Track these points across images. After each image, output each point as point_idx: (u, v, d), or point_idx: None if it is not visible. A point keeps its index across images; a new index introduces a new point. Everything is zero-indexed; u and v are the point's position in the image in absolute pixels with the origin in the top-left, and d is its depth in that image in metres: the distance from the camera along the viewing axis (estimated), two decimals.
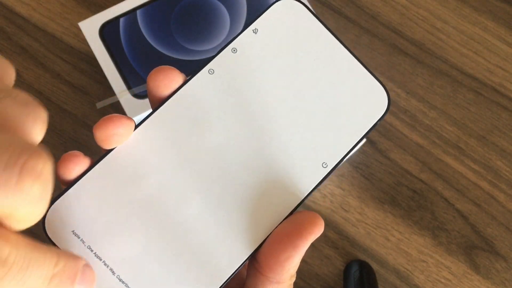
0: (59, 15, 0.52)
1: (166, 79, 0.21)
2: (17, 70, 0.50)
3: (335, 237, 0.45)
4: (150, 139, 0.21)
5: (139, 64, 0.45)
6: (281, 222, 0.21)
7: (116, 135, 0.21)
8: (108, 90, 0.48)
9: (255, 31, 0.22)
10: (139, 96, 0.44)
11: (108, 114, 0.21)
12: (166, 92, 0.22)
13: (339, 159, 0.22)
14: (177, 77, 0.22)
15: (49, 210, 0.20)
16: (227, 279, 0.20)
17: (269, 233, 0.21)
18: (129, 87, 0.44)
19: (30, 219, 0.16)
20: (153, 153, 0.21)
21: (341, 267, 0.45)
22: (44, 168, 0.15)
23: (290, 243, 0.20)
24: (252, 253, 0.21)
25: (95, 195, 0.21)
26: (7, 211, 0.15)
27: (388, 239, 0.45)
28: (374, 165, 0.47)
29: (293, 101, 0.22)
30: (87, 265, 0.18)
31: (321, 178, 0.22)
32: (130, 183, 0.21)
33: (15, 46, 0.51)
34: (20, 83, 0.50)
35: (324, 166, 0.22)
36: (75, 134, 0.48)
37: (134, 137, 0.21)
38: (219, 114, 0.22)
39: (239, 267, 0.20)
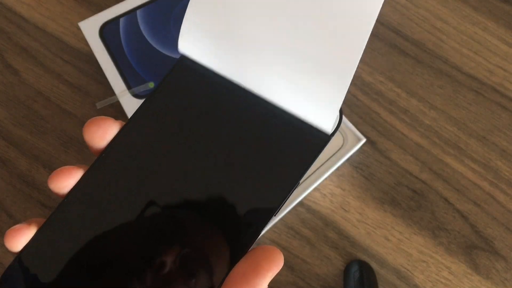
0: (59, 15, 0.52)
1: (100, 130, 0.21)
2: (17, 70, 0.51)
3: (335, 237, 0.45)
4: (92, 194, 0.21)
5: (139, 64, 0.45)
6: (236, 263, 0.20)
7: (67, 187, 0.21)
8: (108, 90, 0.48)
9: (161, 92, 0.23)
10: (139, 96, 0.44)
11: (108, 114, 0.21)
12: (101, 143, 0.21)
13: (282, 202, 0.21)
14: (110, 127, 0.21)
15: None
16: None
17: (225, 276, 0.20)
18: (129, 87, 0.44)
19: None
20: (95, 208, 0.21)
21: (341, 267, 0.45)
22: None
23: (247, 283, 0.19)
24: None
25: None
26: None
27: (388, 239, 0.45)
28: (374, 165, 0.47)
29: (222, 152, 0.22)
30: None
31: (268, 220, 0.21)
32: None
33: (15, 46, 0.51)
34: (20, 83, 0.50)
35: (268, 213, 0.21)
36: (75, 134, 0.48)
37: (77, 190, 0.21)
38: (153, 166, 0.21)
39: None
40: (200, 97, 0.22)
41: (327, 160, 0.45)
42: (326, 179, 0.46)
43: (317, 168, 0.44)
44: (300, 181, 0.22)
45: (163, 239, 0.20)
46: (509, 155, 0.47)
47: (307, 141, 0.22)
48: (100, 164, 0.21)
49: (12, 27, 0.51)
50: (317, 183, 0.44)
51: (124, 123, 0.22)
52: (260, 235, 0.21)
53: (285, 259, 0.45)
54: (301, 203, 0.46)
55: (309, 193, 0.46)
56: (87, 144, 0.22)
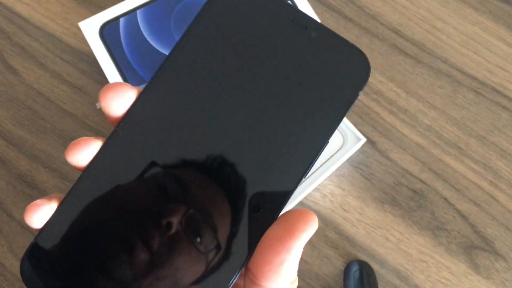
0: (59, 15, 0.52)
1: (117, 96, 0.20)
2: (17, 70, 0.51)
3: (335, 237, 0.45)
4: (111, 165, 0.20)
5: (139, 64, 0.45)
6: (271, 225, 0.19)
7: (85, 159, 0.20)
8: None
9: (203, 23, 0.21)
10: None
11: None
12: (119, 111, 0.20)
13: (323, 145, 0.20)
14: (128, 93, 0.20)
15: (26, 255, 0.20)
16: None
17: (259, 238, 0.19)
18: None
19: None
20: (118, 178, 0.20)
21: (341, 267, 0.45)
22: None
23: (282, 246, 0.18)
24: (244, 263, 0.19)
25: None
26: None
27: (388, 239, 0.45)
28: (374, 165, 0.47)
29: (267, 84, 0.21)
30: None
31: (309, 165, 0.20)
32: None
33: (15, 46, 0.51)
34: (20, 83, 0.50)
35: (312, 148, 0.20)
36: (75, 134, 0.48)
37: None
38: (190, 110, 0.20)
39: (231, 282, 0.19)
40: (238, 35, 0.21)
41: (327, 160, 0.45)
42: (326, 179, 0.46)
43: (317, 168, 0.44)
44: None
45: (193, 201, 0.20)
46: (509, 155, 0.47)
47: (351, 71, 0.21)
48: (119, 134, 0.20)
49: (12, 27, 0.51)
50: (317, 183, 0.44)
51: (141, 89, 0.21)
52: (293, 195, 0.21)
53: None
54: (301, 203, 0.46)
55: (309, 193, 0.45)
56: (104, 112, 0.21)
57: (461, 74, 0.49)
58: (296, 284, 0.20)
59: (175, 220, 0.20)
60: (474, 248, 0.45)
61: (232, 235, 0.20)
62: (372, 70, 0.49)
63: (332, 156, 0.45)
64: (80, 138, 0.20)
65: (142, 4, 0.46)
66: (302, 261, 0.45)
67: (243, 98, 0.21)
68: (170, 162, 0.20)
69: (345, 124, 0.45)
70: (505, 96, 0.49)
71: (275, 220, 0.20)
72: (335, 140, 0.45)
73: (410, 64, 0.49)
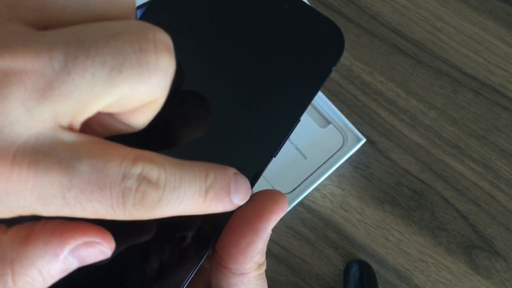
0: None
1: None
2: None
3: (335, 237, 0.45)
4: None
5: None
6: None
7: None
8: None
9: None
10: None
11: None
12: None
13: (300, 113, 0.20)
14: None
15: None
16: (185, 283, 0.18)
17: (224, 222, 0.18)
18: None
19: (156, 107, 0.15)
20: None
21: (341, 267, 0.45)
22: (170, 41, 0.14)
23: (249, 227, 0.18)
24: (211, 245, 0.19)
25: None
26: (145, 97, 0.14)
27: (388, 239, 0.45)
28: (374, 165, 0.47)
29: (244, 51, 0.20)
30: (237, 173, 0.17)
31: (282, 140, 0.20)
32: None
33: None
34: None
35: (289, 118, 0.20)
36: None
37: None
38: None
39: (195, 266, 0.18)
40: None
41: (327, 160, 0.45)
42: (326, 179, 0.46)
43: (317, 168, 0.44)
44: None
45: None
46: (509, 155, 0.47)
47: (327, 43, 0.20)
48: None
49: None
50: (317, 183, 0.44)
51: None
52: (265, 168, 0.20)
53: (285, 259, 0.45)
54: (301, 203, 0.46)
55: (309, 193, 0.45)
56: None
57: (461, 74, 0.49)
58: (264, 267, 0.19)
59: None
60: (474, 248, 0.45)
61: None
62: (372, 70, 0.49)
63: (332, 156, 0.45)
64: None
65: (142, 4, 0.46)
66: (302, 261, 0.45)
67: (210, 72, 0.20)
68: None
69: (345, 123, 0.45)
70: (505, 96, 0.49)
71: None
72: (335, 140, 0.45)
73: (410, 64, 0.49)
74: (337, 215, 0.46)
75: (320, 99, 0.45)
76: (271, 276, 0.45)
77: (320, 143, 0.45)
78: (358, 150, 0.47)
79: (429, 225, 0.46)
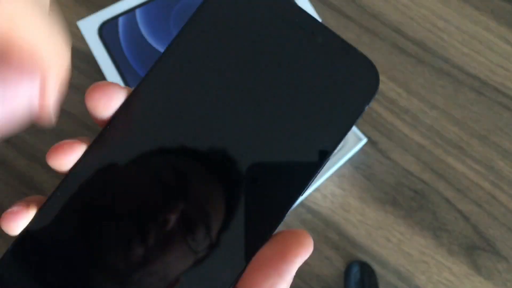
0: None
1: (104, 98, 0.19)
2: None
3: (335, 238, 0.45)
4: (95, 170, 0.19)
5: (138, 63, 0.45)
6: (263, 245, 0.18)
7: (68, 163, 0.19)
8: None
9: (200, 21, 0.20)
10: None
11: None
12: (106, 113, 0.19)
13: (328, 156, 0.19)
14: (116, 94, 0.19)
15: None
16: None
17: (250, 259, 0.18)
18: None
19: None
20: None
21: (342, 268, 0.45)
22: None
23: (273, 269, 0.17)
24: (232, 283, 0.18)
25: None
26: None
27: (389, 240, 0.45)
28: (375, 165, 0.47)
29: (270, 86, 0.19)
30: None
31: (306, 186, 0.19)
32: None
33: None
34: None
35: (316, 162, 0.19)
36: (75, 134, 0.47)
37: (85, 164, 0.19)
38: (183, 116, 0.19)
39: None
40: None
41: (328, 160, 0.44)
42: (326, 179, 0.46)
43: None
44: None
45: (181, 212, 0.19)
46: (510, 155, 0.47)
47: (361, 77, 0.19)
48: (105, 137, 0.19)
49: None
50: (318, 183, 0.44)
51: (131, 89, 0.20)
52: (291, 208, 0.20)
53: None
54: (301, 204, 0.45)
55: (310, 194, 0.45)
56: (90, 114, 0.19)
57: (463, 74, 0.49)
58: None
59: (171, 217, 0.19)
60: (476, 248, 0.45)
61: (226, 244, 0.19)
62: None
63: (332, 156, 0.44)
64: (62, 141, 0.19)
65: (142, 3, 0.46)
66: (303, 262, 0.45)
67: (240, 104, 0.19)
68: (160, 168, 0.19)
69: None
70: (507, 96, 0.48)
71: (271, 237, 0.19)
72: None
73: (411, 63, 0.49)
74: (337, 215, 0.46)
75: None
76: None
77: None
78: (359, 150, 0.46)
79: (430, 225, 0.45)
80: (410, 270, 0.45)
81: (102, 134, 0.19)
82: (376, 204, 0.46)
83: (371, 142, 0.47)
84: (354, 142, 0.45)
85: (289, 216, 0.45)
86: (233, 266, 0.18)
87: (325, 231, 0.45)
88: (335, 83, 0.19)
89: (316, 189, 0.46)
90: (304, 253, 0.18)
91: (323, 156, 0.19)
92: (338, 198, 0.46)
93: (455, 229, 0.45)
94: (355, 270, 0.44)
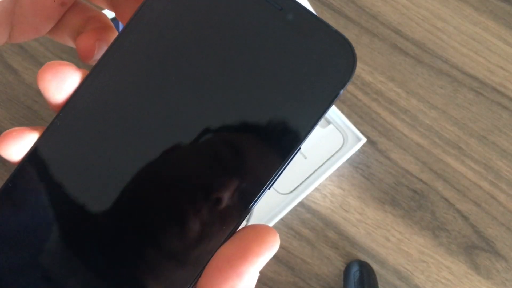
0: None
1: (56, 79, 0.17)
2: (16, 70, 0.50)
3: (335, 237, 0.45)
4: (50, 160, 0.17)
5: None
6: (224, 241, 0.17)
7: (18, 153, 0.17)
8: None
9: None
10: None
11: None
12: (59, 96, 0.17)
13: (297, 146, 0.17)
14: (70, 75, 0.17)
15: None
16: None
17: (208, 258, 0.17)
18: None
19: None
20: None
21: (341, 267, 0.45)
22: None
23: (232, 270, 0.16)
24: (191, 285, 0.17)
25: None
26: None
27: (388, 239, 0.45)
28: (374, 165, 0.47)
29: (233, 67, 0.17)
30: None
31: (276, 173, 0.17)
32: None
33: (15, 46, 0.51)
34: (20, 83, 0.49)
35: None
36: None
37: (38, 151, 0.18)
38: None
39: None
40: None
41: (327, 160, 0.45)
42: (326, 179, 0.46)
43: (317, 168, 0.44)
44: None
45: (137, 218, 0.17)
46: (509, 155, 0.47)
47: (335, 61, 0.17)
48: (57, 125, 0.17)
49: None
50: (317, 183, 0.44)
51: (86, 71, 0.18)
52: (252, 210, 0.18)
53: (285, 259, 0.45)
54: (301, 203, 0.46)
55: (309, 193, 0.45)
56: (44, 96, 0.18)
57: (462, 74, 0.49)
58: None
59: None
60: (475, 248, 0.45)
61: (183, 242, 0.17)
62: (372, 70, 0.49)
63: (332, 156, 0.45)
64: (12, 129, 0.17)
65: None
66: (302, 261, 0.45)
67: (202, 88, 0.17)
68: (113, 161, 0.17)
69: (345, 123, 0.45)
70: (506, 96, 0.49)
71: (234, 233, 0.17)
72: (335, 140, 0.45)
73: (410, 64, 0.49)
74: (337, 215, 0.46)
75: None
76: (271, 276, 0.44)
77: (320, 143, 0.45)
78: (358, 150, 0.47)
79: (429, 225, 0.45)
80: (409, 270, 0.45)
81: (54, 122, 0.18)
82: (376, 203, 0.46)
83: (370, 142, 0.47)
84: (354, 142, 0.45)
85: (289, 216, 0.45)
86: (191, 266, 0.17)
87: (325, 230, 0.45)
88: (306, 64, 0.17)
89: (316, 189, 0.46)
90: (266, 252, 0.16)
91: (291, 146, 0.17)
92: (337, 197, 0.46)
93: (454, 229, 0.45)
94: (355, 269, 0.44)
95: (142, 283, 0.17)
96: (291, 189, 0.44)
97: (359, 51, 0.49)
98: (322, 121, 0.46)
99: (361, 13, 0.51)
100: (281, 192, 0.44)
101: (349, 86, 0.49)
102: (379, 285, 0.44)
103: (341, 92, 0.17)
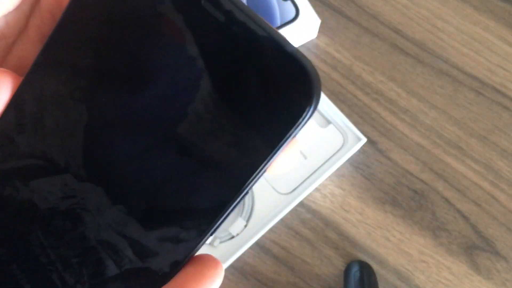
0: None
1: None
2: None
3: (335, 238, 0.45)
4: None
5: None
6: (177, 273, 0.15)
7: None
8: None
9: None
10: None
11: None
12: None
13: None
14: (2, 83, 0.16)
15: None
16: None
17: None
18: None
19: None
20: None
21: (342, 267, 0.45)
22: None
23: None
24: None
25: None
26: None
27: (388, 240, 0.45)
28: (375, 165, 0.47)
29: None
30: None
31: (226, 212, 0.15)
32: None
33: None
34: None
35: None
36: None
37: None
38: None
39: None
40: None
41: (327, 160, 0.45)
42: (326, 179, 0.46)
43: (318, 168, 0.44)
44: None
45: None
46: (510, 155, 0.47)
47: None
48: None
49: None
50: (317, 183, 0.44)
51: (19, 78, 0.16)
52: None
53: (285, 260, 0.45)
54: (301, 204, 0.45)
55: (309, 194, 0.45)
56: None
57: (462, 74, 0.49)
58: None
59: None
60: (475, 248, 0.45)
61: (135, 271, 0.16)
62: (372, 69, 0.49)
63: (332, 156, 0.45)
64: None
65: None
66: (302, 261, 0.45)
67: (126, 104, 0.15)
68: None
69: (346, 123, 0.45)
70: (506, 96, 0.48)
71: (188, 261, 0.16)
72: (335, 140, 0.45)
73: (410, 63, 0.49)
74: (337, 215, 0.46)
75: (321, 99, 0.45)
76: (271, 277, 0.44)
77: (320, 143, 0.45)
78: (359, 150, 0.47)
79: (429, 225, 0.45)
80: (410, 270, 0.45)
81: None
82: (376, 203, 0.46)
83: (370, 142, 0.47)
84: (354, 142, 0.45)
85: (289, 216, 0.45)
86: None
87: (325, 230, 0.45)
88: (253, 91, 0.13)
89: (316, 189, 0.46)
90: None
91: (234, 192, 0.14)
92: (337, 197, 0.46)
93: (455, 229, 0.45)
94: (355, 269, 0.44)
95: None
96: (291, 189, 0.44)
97: (359, 51, 0.49)
98: (322, 121, 0.46)
99: (361, 13, 0.51)
100: (281, 192, 0.44)
101: (349, 86, 0.49)
102: (379, 285, 0.44)
103: (292, 134, 0.13)
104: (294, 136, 0.13)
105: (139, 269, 0.15)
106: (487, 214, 0.46)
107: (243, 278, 0.44)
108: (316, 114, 0.45)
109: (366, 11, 0.51)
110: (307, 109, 0.13)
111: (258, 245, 0.44)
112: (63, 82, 0.16)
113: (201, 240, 0.15)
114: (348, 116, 0.46)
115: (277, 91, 0.13)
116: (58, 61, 0.16)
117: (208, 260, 0.15)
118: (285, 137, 0.13)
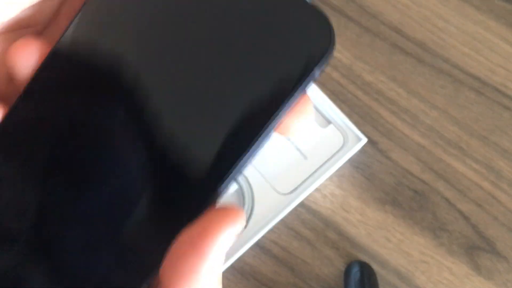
0: None
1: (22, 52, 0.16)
2: None
3: (335, 238, 0.45)
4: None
5: None
6: (187, 225, 0.16)
7: None
8: None
9: None
10: None
11: None
12: (24, 71, 0.17)
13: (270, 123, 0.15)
14: (32, 48, 0.17)
15: None
16: None
17: (171, 240, 0.15)
18: None
19: None
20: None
21: (342, 268, 0.45)
22: None
23: (192, 249, 0.15)
24: (152, 273, 0.16)
25: None
26: None
27: (389, 240, 0.45)
28: (375, 165, 0.47)
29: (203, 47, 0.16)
30: None
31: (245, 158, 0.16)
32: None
33: None
34: None
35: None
36: None
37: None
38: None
39: None
40: None
41: (328, 160, 0.44)
42: (326, 179, 0.46)
43: (318, 168, 0.44)
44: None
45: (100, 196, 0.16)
46: (511, 155, 0.47)
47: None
48: (24, 100, 0.16)
49: None
50: (318, 183, 0.44)
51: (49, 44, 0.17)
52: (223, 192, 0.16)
53: (285, 260, 0.45)
54: (301, 204, 0.45)
55: (309, 194, 0.45)
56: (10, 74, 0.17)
57: (463, 74, 0.49)
58: None
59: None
60: (476, 248, 0.45)
61: (145, 224, 0.16)
62: (373, 69, 0.49)
63: (332, 156, 0.44)
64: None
65: None
66: (303, 261, 0.45)
67: (159, 69, 0.16)
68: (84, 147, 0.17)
69: (346, 123, 0.45)
70: (507, 96, 0.48)
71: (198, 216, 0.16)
72: (335, 140, 0.45)
73: (411, 63, 0.49)
74: (337, 215, 0.46)
75: (321, 99, 0.45)
76: (271, 277, 0.44)
77: (320, 143, 0.45)
78: (359, 150, 0.46)
79: (430, 225, 0.45)
80: (410, 270, 0.45)
81: (20, 97, 0.17)
82: (376, 204, 0.46)
83: (371, 142, 0.47)
84: (354, 142, 0.45)
85: (289, 216, 0.45)
86: (151, 253, 0.16)
87: (325, 231, 0.45)
88: (274, 40, 0.15)
89: (316, 189, 0.46)
90: (227, 227, 0.15)
91: (255, 132, 0.15)
92: (338, 198, 0.46)
93: (455, 229, 0.45)
94: (355, 270, 0.44)
95: (102, 273, 0.16)
96: (291, 190, 0.44)
97: (359, 51, 0.49)
98: (322, 121, 0.46)
99: (361, 13, 0.50)
100: (281, 193, 0.44)
101: (350, 86, 0.49)
102: (379, 286, 0.44)
103: (317, 72, 0.15)
104: (321, 69, 0.14)
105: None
106: (488, 214, 0.46)
107: (243, 279, 0.44)
108: (316, 114, 0.45)
109: (367, 10, 0.51)
110: (330, 44, 0.15)
111: (258, 245, 0.44)
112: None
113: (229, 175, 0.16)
114: (349, 116, 0.46)
115: (296, 32, 0.15)
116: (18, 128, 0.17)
117: (228, 207, 0.16)
118: (310, 72, 0.15)
